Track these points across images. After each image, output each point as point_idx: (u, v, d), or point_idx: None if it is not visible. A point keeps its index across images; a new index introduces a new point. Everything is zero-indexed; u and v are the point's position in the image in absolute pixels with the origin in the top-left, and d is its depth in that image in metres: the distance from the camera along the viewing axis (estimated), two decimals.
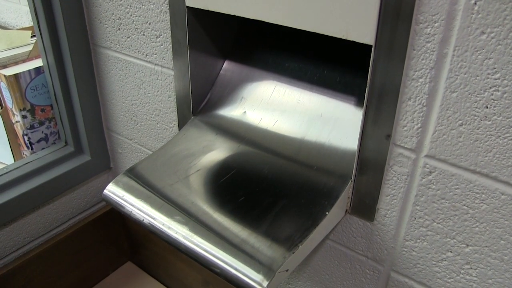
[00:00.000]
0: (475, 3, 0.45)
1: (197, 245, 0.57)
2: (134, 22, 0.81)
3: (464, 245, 0.58)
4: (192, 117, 0.79)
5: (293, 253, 0.54)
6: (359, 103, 0.65)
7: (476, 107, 0.49)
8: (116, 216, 1.14)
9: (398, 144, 0.57)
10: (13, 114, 1.00)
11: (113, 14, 0.84)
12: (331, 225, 0.66)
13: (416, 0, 0.48)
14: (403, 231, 0.63)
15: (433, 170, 0.56)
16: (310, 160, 0.66)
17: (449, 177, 0.55)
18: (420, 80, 0.52)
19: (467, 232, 0.57)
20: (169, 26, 0.75)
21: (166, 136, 0.90)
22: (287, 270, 0.54)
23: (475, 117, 0.50)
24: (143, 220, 0.61)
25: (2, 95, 1.00)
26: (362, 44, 0.53)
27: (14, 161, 1.09)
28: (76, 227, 1.06)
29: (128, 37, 0.84)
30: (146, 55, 0.83)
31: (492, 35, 0.45)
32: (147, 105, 0.89)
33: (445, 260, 0.60)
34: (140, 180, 0.67)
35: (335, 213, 0.62)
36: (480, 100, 0.49)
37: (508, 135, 0.48)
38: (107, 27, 0.87)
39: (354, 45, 0.55)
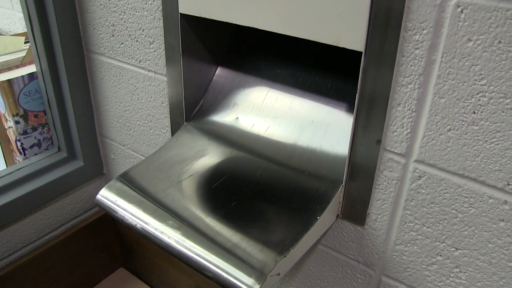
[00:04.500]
0: (462, 11, 0.46)
1: (190, 250, 0.57)
2: (128, 29, 0.82)
3: (453, 249, 0.58)
4: (185, 123, 0.79)
5: (285, 257, 0.54)
6: (350, 109, 0.65)
7: (464, 113, 0.50)
8: (108, 222, 1.14)
9: (388, 149, 0.58)
10: (6, 120, 1.00)
11: (107, 20, 0.85)
12: (322, 230, 0.66)
13: (405, 7, 0.49)
14: (393, 235, 0.63)
15: (423, 175, 0.57)
16: (302, 165, 0.67)
17: (438, 181, 0.56)
18: (409, 86, 0.53)
19: (456, 236, 0.57)
20: (163, 32, 0.76)
21: (159, 142, 0.91)
22: (278, 274, 0.54)
23: (463, 122, 0.51)
24: (136, 225, 0.62)
25: None
26: (353, 51, 0.54)
27: (7, 166, 1.08)
28: (68, 233, 1.06)
29: (122, 44, 0.85)
30: (140, 61, 0.83)
31: (478, 42, 0.46)
32: (140, 111, 0.90)
33: (435, 264, 0.61)
34: (133, 185, 0.67)
35: (326, 218, 0.63)
36: (468, 105, 0.50)
37: (495, 139, 0.49)
38: (101, 34, 0.88)
39: (345, 52, 0.56)
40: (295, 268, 0.79)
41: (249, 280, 0.52)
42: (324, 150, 0.66)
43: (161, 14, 0.74)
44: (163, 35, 0.76)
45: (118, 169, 1.06)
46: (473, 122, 0.50)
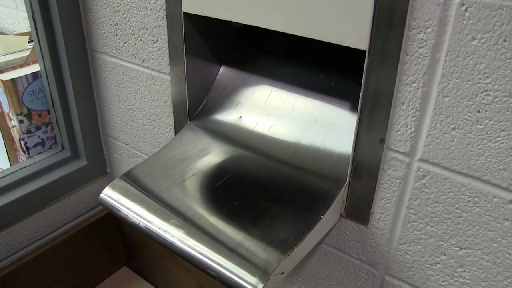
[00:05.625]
0: (466, 10, 0.46)
1: (193, 248, 0.57)
2: (131, 28, 0.82)
3: (457, 248, 0.58)
4: (188, 122, 0.79)
5: (288, 256, 0.54)
6: (353, 108, 0.65)
7: (468, 112, 0.50)
8: (112, 221, 1.14)
9: (392, 148, 0.58)
10: (10, 119, 1.01)
11: (110, 19, 0.85)
12: (326, 229, 0.66)
13: (409, 6, 0.49)
14: (397, 234, 0.63)
15: (427, 174, 0.57)
16: (305, 164, 0.67)
17: (442, 180, 0.56)
18: (413, 85, 0.53)
19: (460, 235, 0.57)
20: (166, 31, 0.76)
21: (162, 141, 0.91)
22: (282, 273, 0.54)
23: (467, 121, 0.51)
24: (139, 223, 0.62)
25: None
26: (356, 49, 0.54)
27: (10, 165, 1.09)
28: (72, 232, 1.06)
29: (125, 43, 0.85)
30: (143, 61, 0.83)
31: (483, 40, 0.46)
32: (144, 110, 0.90)
33: (439, 263, 0.61)
34: (136, 184, 0.67)
35: (330, 217, 0.63)
36: (472, 104, 0.50)
37: (499, 138, 0.49)
38: (104, 33, 0.88)
39: (348, 50, 0.55)
40: (298, 267, 0.79)
41: (253, 279, 0.52)
42: (327, 149, 0.66)
43: (165, 13, 0.74)
44: (166, 34, 0.76)
45: (121, 168, 1.07)
46: (478, 121, 0.50)
